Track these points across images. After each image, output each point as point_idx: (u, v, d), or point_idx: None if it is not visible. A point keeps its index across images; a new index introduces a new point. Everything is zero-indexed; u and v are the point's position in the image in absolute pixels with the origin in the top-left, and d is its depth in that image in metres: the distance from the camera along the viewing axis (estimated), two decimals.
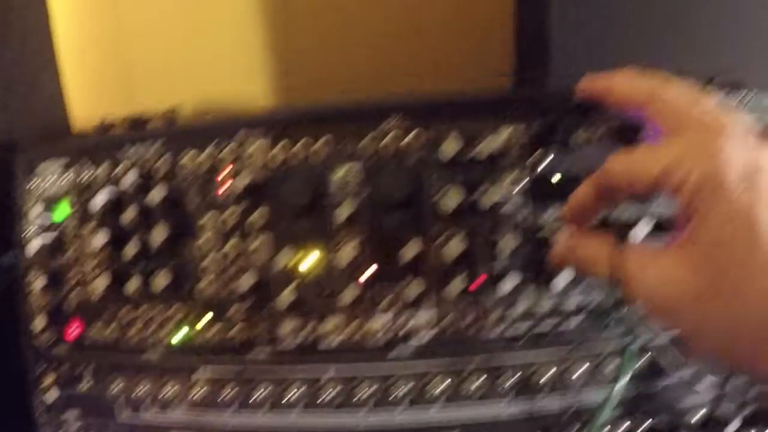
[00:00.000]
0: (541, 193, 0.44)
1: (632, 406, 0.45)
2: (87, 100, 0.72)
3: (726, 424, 0.45)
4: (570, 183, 0.39)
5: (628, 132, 0.41)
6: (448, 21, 0.72)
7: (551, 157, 0.43)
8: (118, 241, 0.46)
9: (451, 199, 0.42)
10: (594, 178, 0.36)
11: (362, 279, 0.44)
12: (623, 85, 0.37)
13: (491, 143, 0.43)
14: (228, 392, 0.46)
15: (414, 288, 0.43)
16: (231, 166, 0.45)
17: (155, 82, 0.73)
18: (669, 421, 0.45)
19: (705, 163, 0.30)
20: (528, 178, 0.43)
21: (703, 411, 0.44)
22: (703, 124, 0.32)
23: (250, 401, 0.46)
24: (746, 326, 0.29)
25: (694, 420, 0.44)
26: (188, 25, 0.73)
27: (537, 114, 0.43)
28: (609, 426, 0.43)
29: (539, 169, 0.43)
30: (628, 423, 0.44)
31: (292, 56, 0.73)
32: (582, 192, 0.37)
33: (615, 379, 0.42)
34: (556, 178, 0.43)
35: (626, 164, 0.34)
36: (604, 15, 0.56)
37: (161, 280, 0.46)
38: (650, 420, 0.45)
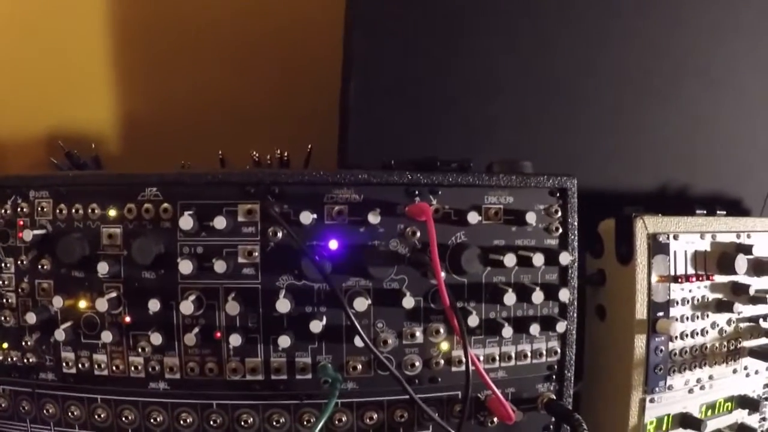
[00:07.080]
0: (271, 263, 0.51)
1: None
2: None
3: None
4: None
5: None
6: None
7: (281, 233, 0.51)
8: None
9: (186, 266, 0.49)
10: None
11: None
12: None
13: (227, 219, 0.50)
14: (24, 406, 0.55)
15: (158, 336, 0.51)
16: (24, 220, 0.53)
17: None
18: None
19: None
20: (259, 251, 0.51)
21: None
22: None
23: (42, 415, 0.55)
24: None
25: None
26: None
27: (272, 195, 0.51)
28: None
29: (271, 244, 0.51)
30: None
31: None
32: None
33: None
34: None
35: None
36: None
37: None
38: None
